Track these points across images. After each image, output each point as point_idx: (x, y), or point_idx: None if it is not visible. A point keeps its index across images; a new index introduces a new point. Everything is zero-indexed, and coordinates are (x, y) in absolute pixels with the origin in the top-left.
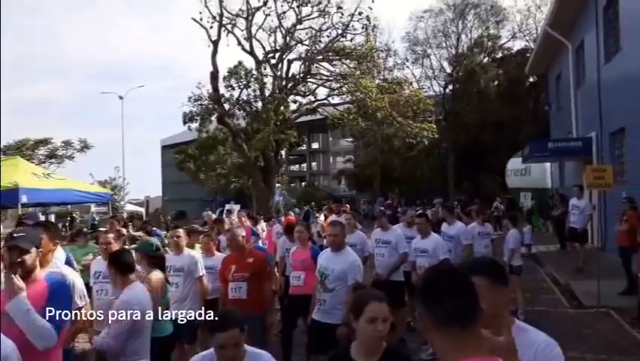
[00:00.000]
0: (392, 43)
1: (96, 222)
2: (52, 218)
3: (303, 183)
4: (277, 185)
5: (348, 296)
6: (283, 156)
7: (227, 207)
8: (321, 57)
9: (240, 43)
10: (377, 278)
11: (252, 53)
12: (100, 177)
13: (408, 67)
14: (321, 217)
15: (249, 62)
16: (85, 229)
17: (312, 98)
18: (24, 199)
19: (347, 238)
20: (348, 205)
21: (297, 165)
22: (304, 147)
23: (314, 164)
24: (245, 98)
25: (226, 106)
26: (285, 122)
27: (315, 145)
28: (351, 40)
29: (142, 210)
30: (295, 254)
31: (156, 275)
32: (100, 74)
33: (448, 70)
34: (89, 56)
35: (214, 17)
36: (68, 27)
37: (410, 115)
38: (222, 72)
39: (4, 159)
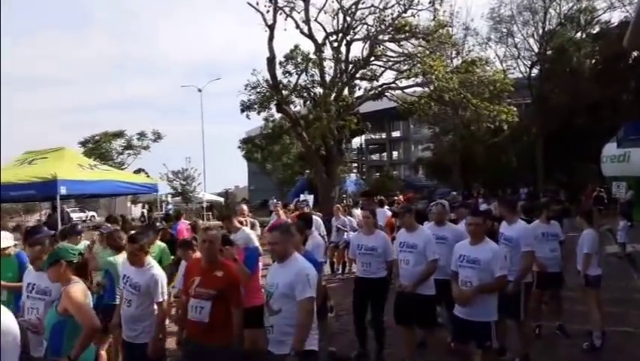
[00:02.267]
0: (471, 22)
1: (171, 212)
2: (147, 207)
3: (377, 173)
4: (354, 174)
5: (301, 318)
6: (363, 145)
7: (301, 197)
8: (384, 37)
9: (298, 26)
10: (400, 290)
11: (310, 36)
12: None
13: (490, 46)
14: (357, 211)
15: (309, 47)
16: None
17: (377, 83)
18: (63, 191)
19: (365, 240)
20: (403, 198)
21: (378, 155)
22: (384, 136)
23: (395, 153)
24: (303, 84)
25: (285, 93)
26: (347, 109)
27: (396, 133)
28: (414, 17)
29: (222, 200)
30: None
31: (79, 288)
32: (193, 70)
33: (536, 48)
34: (184, 53)
35: (270, 0)
36: (165, 27)
37: (487, 97)
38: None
39: (51, 149)
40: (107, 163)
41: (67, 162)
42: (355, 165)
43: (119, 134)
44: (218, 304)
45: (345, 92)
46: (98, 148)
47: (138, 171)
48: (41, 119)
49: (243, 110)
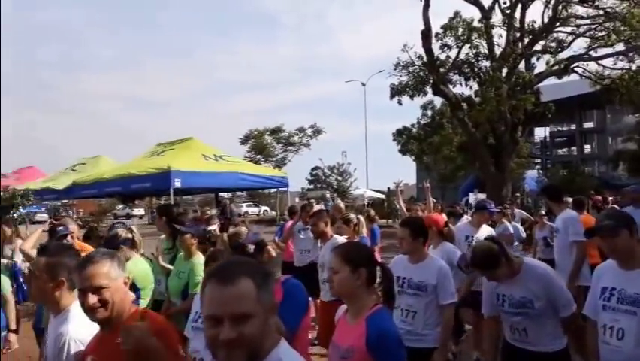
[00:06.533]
0: None
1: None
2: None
3: (565, 170)
4: (535, 170)
5: None
6: (548, 138)
7: (471, 196)
8: None
9: None
10: None
11: (475, 1)
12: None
13: None
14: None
15: (472, 14)
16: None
17: (563, 56)
18: (177, 183)
19: (504, 287)
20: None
21: (566, 149)
22: (573, 127)
23: (587, 147)
24: (464, 58)
25: (442, 71)
26: (524, 87)
27: (588, 124)
28: None
29: (382, 196)
30: None
31: None
32: (370, 69)
33: None
34: (364, 52)
35: None
36: (346, 26)
37: None
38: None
39: (179, 140)
40: (269, 160)
41: (192, 152)
42: (538, 160)
43: (277, 131)
44: None
45: (521, 66)
46: (258, 145)
47: (331, 169)
48: (227, 123)
49: (393, 95)
